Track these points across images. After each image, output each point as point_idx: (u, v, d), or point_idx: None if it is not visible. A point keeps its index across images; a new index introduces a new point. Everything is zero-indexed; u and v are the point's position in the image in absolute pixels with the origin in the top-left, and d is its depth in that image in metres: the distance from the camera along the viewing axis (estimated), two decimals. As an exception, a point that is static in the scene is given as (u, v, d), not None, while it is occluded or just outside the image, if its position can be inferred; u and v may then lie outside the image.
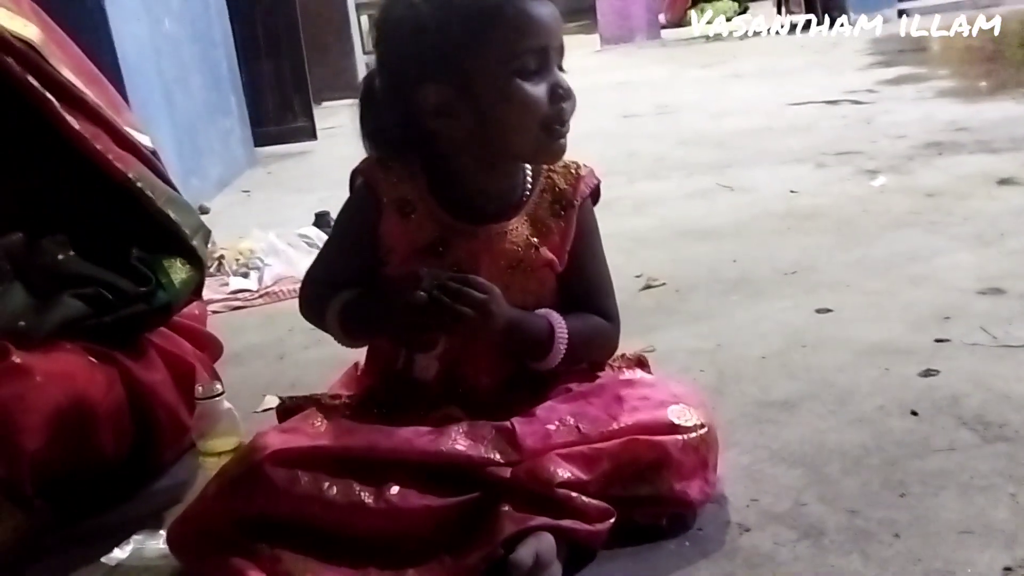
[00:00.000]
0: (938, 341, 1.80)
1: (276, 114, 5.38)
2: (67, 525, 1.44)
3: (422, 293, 1.26)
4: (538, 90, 1.28)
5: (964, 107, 4.23)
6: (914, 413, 1.53)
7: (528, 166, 1.40)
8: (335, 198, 4.02)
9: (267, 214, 3.70)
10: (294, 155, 5.26)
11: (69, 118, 1.52)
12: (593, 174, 1.42)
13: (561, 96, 1.29)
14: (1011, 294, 2.00)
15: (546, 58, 1.29)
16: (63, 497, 1.42)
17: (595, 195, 1.43)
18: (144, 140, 1.68)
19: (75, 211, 1.56)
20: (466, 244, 1.35)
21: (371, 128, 1.37)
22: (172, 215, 1.60)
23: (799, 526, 1.27)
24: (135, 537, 1.42)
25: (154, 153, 1.69)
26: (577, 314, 1.39)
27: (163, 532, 1.39)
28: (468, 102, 1.29)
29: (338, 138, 5.27)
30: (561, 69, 1.31)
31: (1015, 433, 1.43)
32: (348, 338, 1.39)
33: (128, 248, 1.56)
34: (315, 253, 2.90)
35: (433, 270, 1.29)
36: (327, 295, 1.38)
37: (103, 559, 1.39)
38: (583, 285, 1.42)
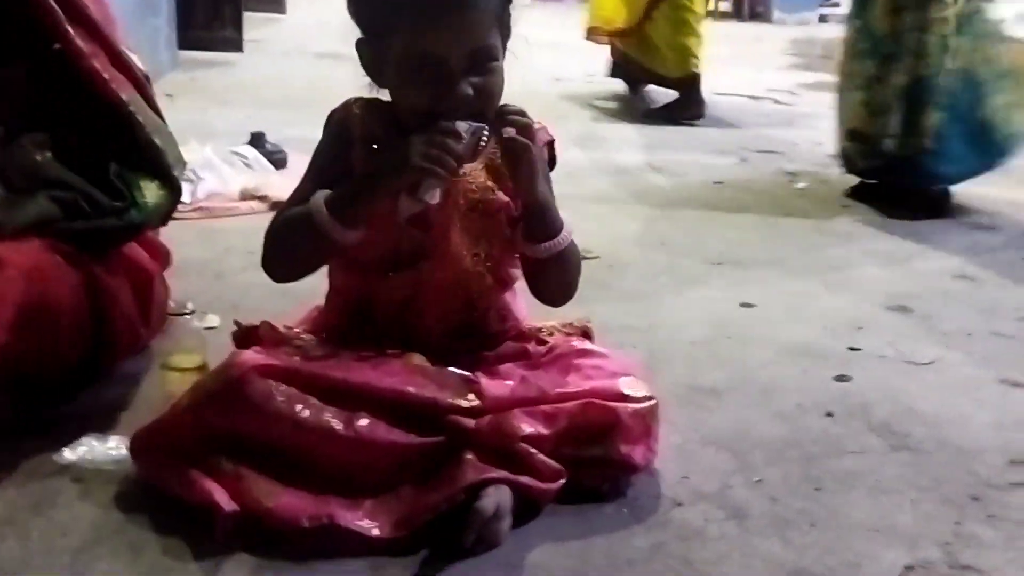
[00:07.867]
0: (851, 349, 1.95)
1: (204, 19, 5.24)
2: (21, 421, 1.45)
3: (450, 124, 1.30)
4: (419, 94, 1.34)
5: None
6: (829, 415, 1.67)
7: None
8: (263, 118, 3.93)
9: (192, 124, 3.61)
10: (218, 64, 5.12)
11: (72, 32, 1.51)
12: (546, 131, 1.49)
13: (446, 106, 1.33)
14: (916, 313, 2.18)
15: (441, 66, 1.33)
16: (20, 393, 1.43)
17: (551, 157, 1.50)
18: (137, 61, 1.67)
19: (59, 116, 1.55)
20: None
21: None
22: (159, 143, 1.61)
23: (726, 507, 1.38)
24: (84, 439, 1.44)
25: (146, 77, 1.69)
26: None
27: (114, 437, 1.42)
28: (381, 69, 1.39)
29: (262, 54, 5.17)
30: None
31: (918, 444, 1.58)
32: (341, 221, 1.34)
33: (107, 162, 1.56)
34: (250, 172, 2.92)
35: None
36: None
37: (54, 457, 1.40)
38: None
